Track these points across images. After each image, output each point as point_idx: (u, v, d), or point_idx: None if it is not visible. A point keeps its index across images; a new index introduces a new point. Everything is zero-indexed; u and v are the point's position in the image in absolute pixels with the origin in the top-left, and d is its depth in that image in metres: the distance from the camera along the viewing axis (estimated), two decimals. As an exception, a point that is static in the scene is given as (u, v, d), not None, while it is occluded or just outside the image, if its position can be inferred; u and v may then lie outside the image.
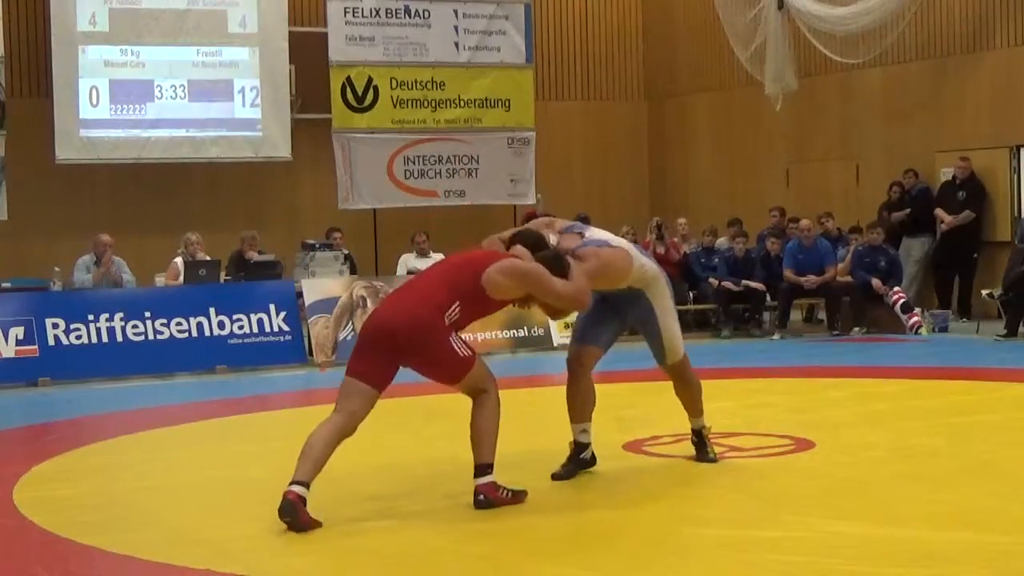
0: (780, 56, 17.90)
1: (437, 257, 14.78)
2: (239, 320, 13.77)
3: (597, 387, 7.31)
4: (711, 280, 16.30)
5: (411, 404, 9.67)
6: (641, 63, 21.40)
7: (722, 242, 17.01)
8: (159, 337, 13.42)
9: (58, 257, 15.21)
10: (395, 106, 18.06)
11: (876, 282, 15.43)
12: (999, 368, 11.84)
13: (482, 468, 6.41)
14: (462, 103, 18.38)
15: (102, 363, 13.06)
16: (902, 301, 15.33)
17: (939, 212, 16.52)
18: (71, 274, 14.16)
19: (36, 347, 12.93)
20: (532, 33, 18.91)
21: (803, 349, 14.59)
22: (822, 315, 16.70)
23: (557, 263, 6.58)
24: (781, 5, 17.78)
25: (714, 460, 7.42)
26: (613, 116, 21.15)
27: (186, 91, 17.53)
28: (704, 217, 18.38)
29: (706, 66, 20.30)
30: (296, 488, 6.06)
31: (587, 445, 7.25)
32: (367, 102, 17.90)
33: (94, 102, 17.12)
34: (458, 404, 6.66)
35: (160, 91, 17.40)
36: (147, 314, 13.43)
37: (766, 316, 16.50)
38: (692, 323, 16.37)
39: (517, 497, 6.47)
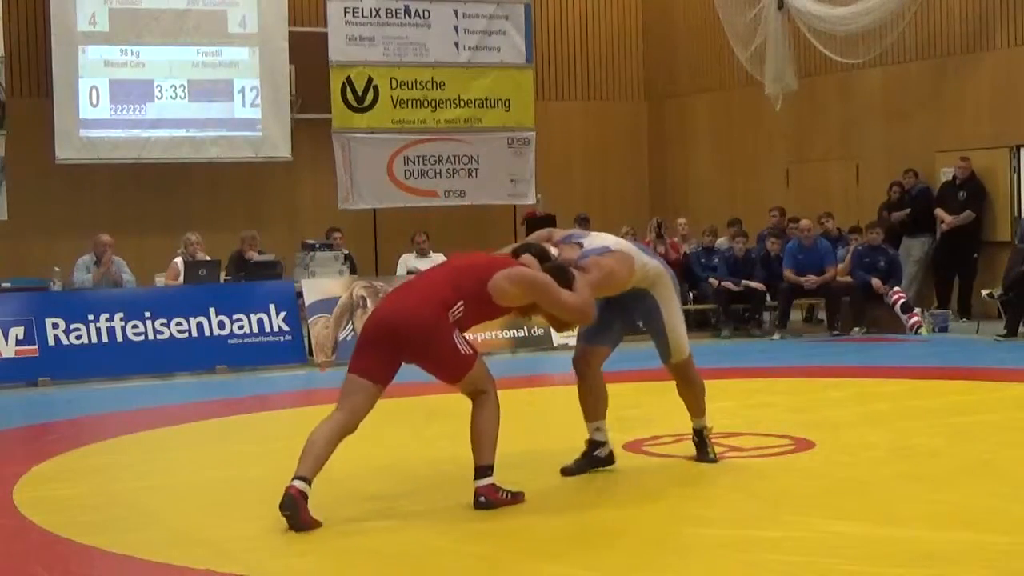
0: (780, 56, 17.90)
1: (437, 257, 14.80)
2: (239, 320, 13.77)
3: (598, 387, 7.31)
4: (711, 280, 16.30)
5: (412, 404, 9.68)
6: (641, 63, 21.41)
7: (722, 242, 17.01)
8: (159, 337, 13.42)
9: (58, 257, 15.21)
10: (395, 106, 18.06)
11: (876, 282, 15.43)
12: (999, 368, 11.84)
13: (482, 470, 6.41)
14: (462, 103, 18.38)
15: (102, 363, 13.06)
16: (902, 301, 15.33)
17: (939, 212, 16.52)
18: (71, 274, 14.15)
19: (36, 347, 12.93)
20: (532, 33, 18.91)
21: (803, 349, 14.59)
22: (822, 315, 16.70)
23: (562, 275, 6.59)
24: (781, 5, 17.78)
25: (714, 460, 7.42)
26: (613, 116, 21.15)
27: (186, 91, 17.53)
28: (704, 217, 18.39)
29: (706, 66, 20.30)
30: (298, 484, 6.06)
31: (602, 443, 7.26)
32: (367, 102, 17.90)
33: (94, 102, 17.12)
34: (459, 404, 6.66)
35: (160, 91, 17.40)
36: (147, 314, 13.43)
37: (766, 316, 16.50)
38: (692, 323, 16.26)
39: (516, 498, 6.48)
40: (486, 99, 18.50)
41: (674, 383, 7.46)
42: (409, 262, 15.89)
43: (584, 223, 16.81)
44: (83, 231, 15.54)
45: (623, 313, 7.21)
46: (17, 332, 12.87)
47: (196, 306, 13.65)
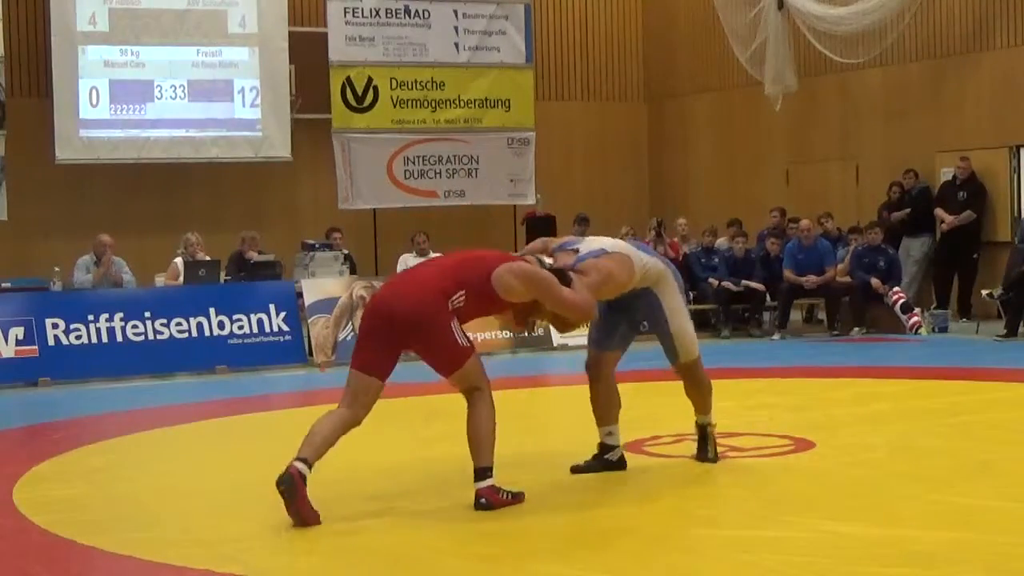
0: (780, 56, 17.90)
1: (437, 257, 14.78)
2: (239, 320, 13.77)
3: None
4: (711, 280, 16.30)
5: (411, 404, 9.68)
6: (641, 63, 21.41)
7: (722, 242, 17.01)
8: (159, 337, 13.42)
9: (58, 257, 15.21)
10: (395, 106, 18.05)
11: (876, 282, 15.43)
12: (999, 368, 11.83)
13: (481, 472, 6.41)
14: (462, 103, 18.38)
15: (102, 363, 13.06)
16: (902, 301, 15.33)
17: (939, 212, 16.52)
18: (71, 274, 14.16)
19: (36, 347, 12.93)
20: (532, 33, 18.91)
21: (803, 349, 14.59)
22: (822, 315, 16.70)
23: (562, 276, 6.60)
24: (781, 5, 17.78)
25: (714, 460, 7.41)
26: (613, 116, 21.15)
27: (186, 91, 17.53)
28: (704, 217, 18.38)
29: (706, 66, 20.30)
30: (298, 464, 6.05)
31: (613, 447, 7.26)
32: (367, 102, 17.90)
33: (94, 102, 17.12)
34: (458, 404, 6.66)
35: (160, 91, 17.40)
36: (147, 314, 13.43)
37: (766, 316, 16.49)
38: (692, 323, 16.33)
39: (517, 499, 6.48)
40: (486, 99, 18.49)
41: (678, 383, 7.45)
42: (409, 262, 15.85)
43: (584, 223, 16.82)
44: (83, 231, 15.54)
45: (628, 315, 7.20)
46: (17, 332, 12.87)
47: (196, 306, 13.65)
